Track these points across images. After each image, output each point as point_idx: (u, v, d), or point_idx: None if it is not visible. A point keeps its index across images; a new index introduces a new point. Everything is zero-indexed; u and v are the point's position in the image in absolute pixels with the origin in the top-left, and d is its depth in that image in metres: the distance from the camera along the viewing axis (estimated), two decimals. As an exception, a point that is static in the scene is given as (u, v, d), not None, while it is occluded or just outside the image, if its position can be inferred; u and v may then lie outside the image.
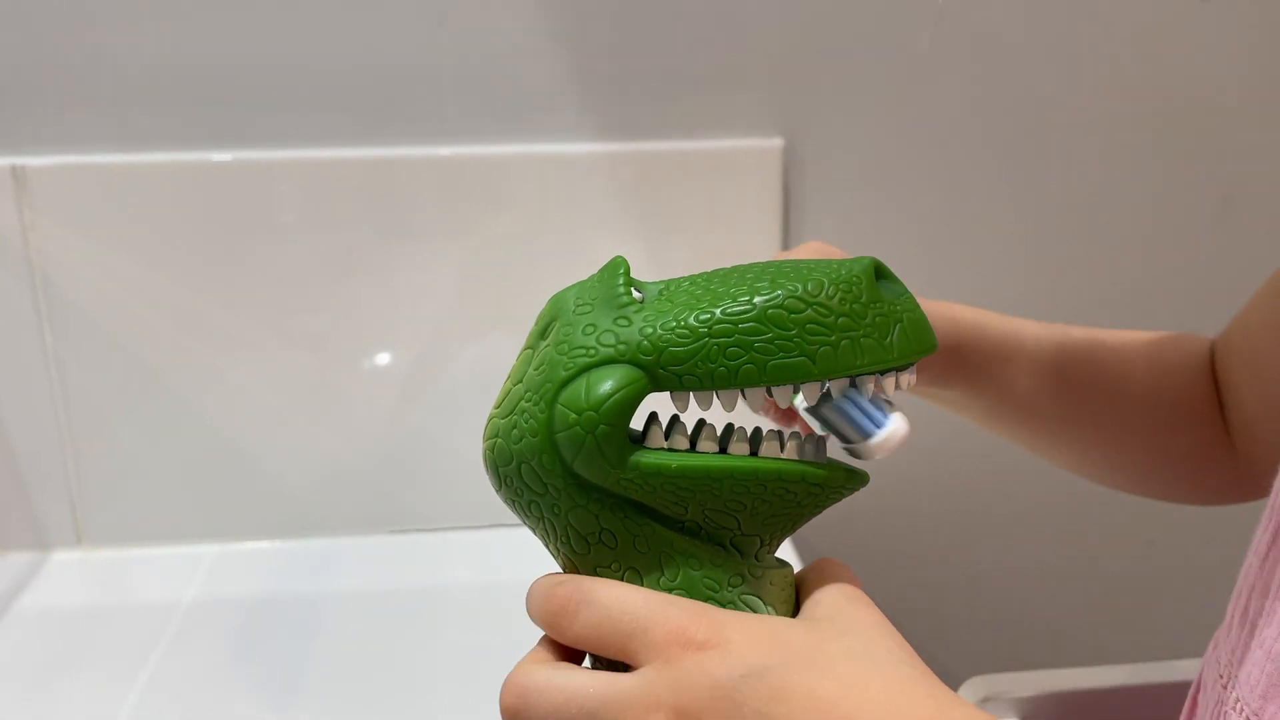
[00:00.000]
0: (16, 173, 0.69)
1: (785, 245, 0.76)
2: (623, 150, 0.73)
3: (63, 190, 0.70)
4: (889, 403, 0.32)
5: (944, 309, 0.49)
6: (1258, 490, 0.49)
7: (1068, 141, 0.76)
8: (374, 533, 0.78)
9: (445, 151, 0.73)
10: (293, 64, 0.71)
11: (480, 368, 0.76)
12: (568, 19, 0.71)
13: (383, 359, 0.76)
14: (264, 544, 0.77)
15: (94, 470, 0.75)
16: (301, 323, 0.74)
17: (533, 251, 0.74)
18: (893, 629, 0.29)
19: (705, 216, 0.74)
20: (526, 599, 0.31)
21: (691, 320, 0.28)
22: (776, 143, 0.74)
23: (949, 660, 0.85)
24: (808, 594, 0.31)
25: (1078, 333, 0.51)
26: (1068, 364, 0.49)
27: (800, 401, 0.30)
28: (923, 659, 0.30)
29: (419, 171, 0.73)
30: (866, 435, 0.31)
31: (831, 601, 0.30)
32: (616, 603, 0.28)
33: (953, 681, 0.57)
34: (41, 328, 0.72)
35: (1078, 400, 0.49)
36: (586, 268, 0.80)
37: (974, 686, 0.52)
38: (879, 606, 0.31)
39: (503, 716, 0.29)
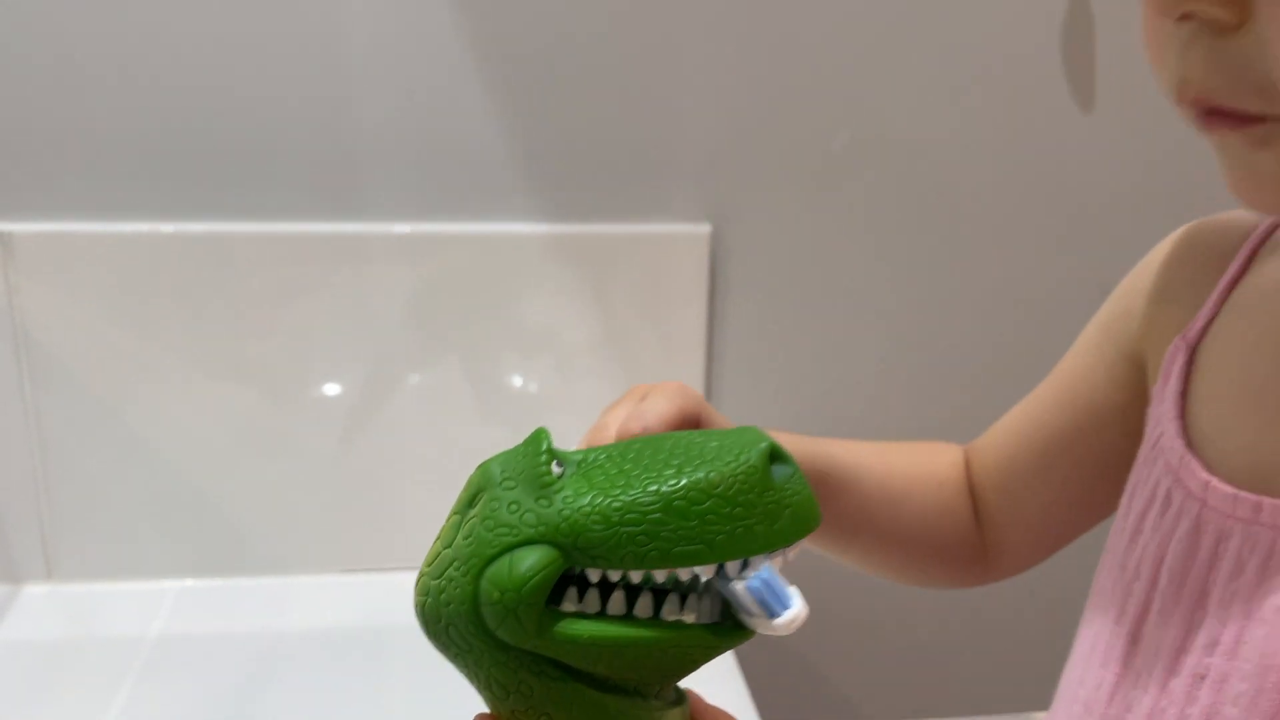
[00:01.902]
0: (3, 238, 0.75)
1: (710, 321, 0.83)
2: (565, 231, 0.80)
3: (45, 255, 0.76)
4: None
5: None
6: (1004, 575, 0.57)
7: (965, 235, 0.84)
8: (326, 572, 0.85)
9: (403, 229, 0.79)
10: (263, 144, 0.77)
11: (422, 424, 0.82)
12: (518, 111, 0.78)
13: (333, 415, 0.82)
14: (221, 581, 0.83)
15: (64, 508, 0.81)
16: (260, 380, 0.80)
17: (480, 322, 0.81)
18: None
19: (639, 294, 0.82)
20: None
21: (605, 508, 0.32)
22: (705, 228, 0.82)
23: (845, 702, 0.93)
24: None
25: (870, 453, 0.56)
26: (866, 489, 0.55)
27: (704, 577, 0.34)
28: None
29: (377, 245, 0.79)
30: (773, 615, 0.33)
31: None
32: None
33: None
34: (21, 379, 0.78)
35: (871, 520, 0.55)
36: (531, 338, 0.87)
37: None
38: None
39: None
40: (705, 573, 0.33)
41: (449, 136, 0.78)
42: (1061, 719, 0.46)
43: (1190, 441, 0.43)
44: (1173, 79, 0.35)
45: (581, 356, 0.83)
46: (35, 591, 0.82)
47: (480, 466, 0.35)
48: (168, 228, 0.77)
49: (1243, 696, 0.37)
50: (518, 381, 0.83)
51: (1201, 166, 0.39)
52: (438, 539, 0.35)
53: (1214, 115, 0.34)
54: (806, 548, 0.55)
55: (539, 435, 0.34)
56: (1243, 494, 0.39)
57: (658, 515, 0.32)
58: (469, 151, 0.79)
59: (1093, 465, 0.51)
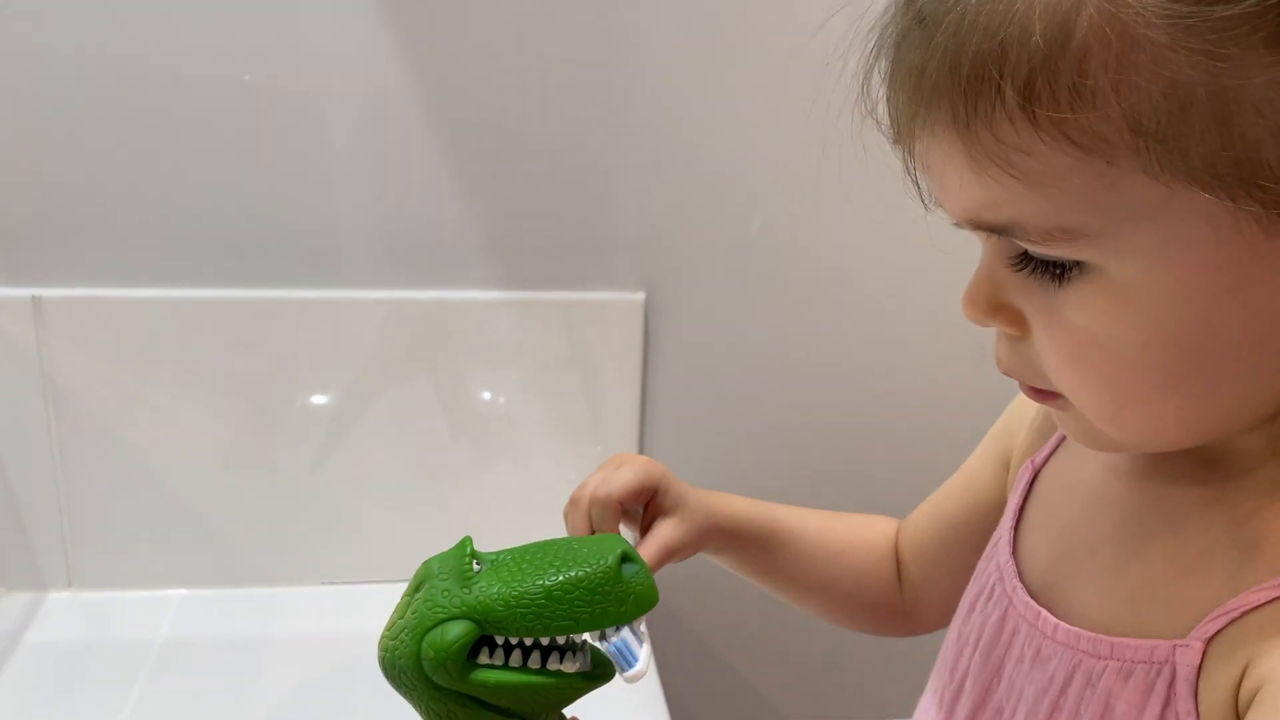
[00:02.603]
0: (35, 301, 0.88)
1: (644, 378, 0.97)
2: (516, 298, 0.93)
3: (70, 316, 0.89)
4: (644, 638, 0.49)
5: (728, 504, 0.66)
6: (924, 630, 0.70)
7: (857, 305, 0.97)
8: (307, 584, 0.98)
9: (378, 294, 0.92)
10: (261, 223, 0.89)
11: (390, 457, 0.96)
12: (476, 195, 0.91)
13: (312, 446, 0.95)
14: (216, 591, 0.97)
15: (84, 526, 0.94)
16: (249, 416, 0.93)
17: (445, 377, 0.94)
18: None
19: (580, 353, 0.95)
20: None
21: (506, 595, 0.46)
22: (640, 296, 0.95)
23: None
24: None
25: (814, 519, 0.69)
26: (805, 549, 0.67)
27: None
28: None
29: (354, 308, 0.92)
30: (624, 669, 0.48)
31: None
32: None
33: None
34: (49, 419, 0.91)
35: (808, 575, 0.68)
36: (493, 383, 0.99)
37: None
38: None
39: None
40: (576, 639, 0.48)
41: (415, 217, 0.91)
42: None
43: (1015, 550, 0.52)
44: (995, 356, 0.45)
45: (531, 404, 0.96)
46: (58, 598, 0.95)
47: (424, 563, 0.49)
48: (176, 293, 0.90)
49: None
50: (481, 412, 0.96)
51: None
52: (394, 612, 0.49)
53: (1026, 387, 0.44)
54: (755, 585, 0.68)
55: (465, 542, 0.49)
56: (1033, 603, 0.49)
57: (542, 601, 0.46)
58: (432, 229, 0.91)
59: (982, 544, 0.59)
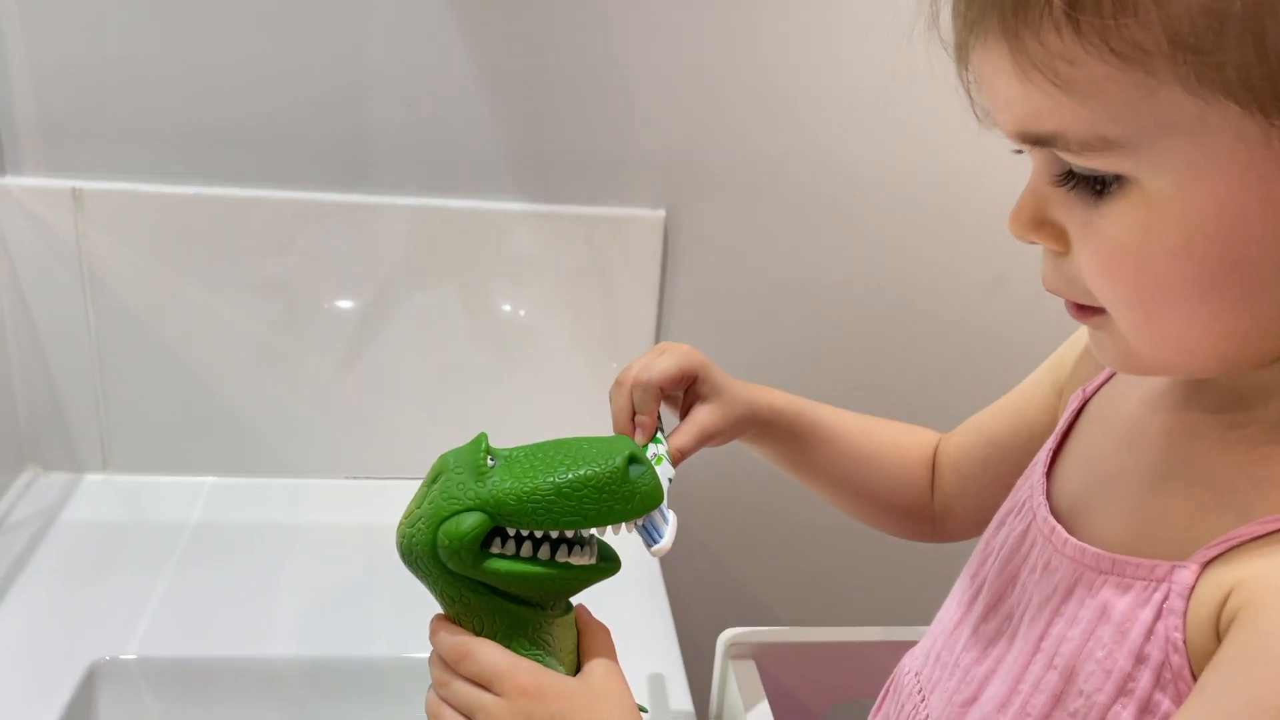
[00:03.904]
0: (75, 193, 0.91)
1: (662, 293, 0.99)
2: (541, 210, 0.96)
3: (109, 208, 0.92)
4: (670, 518, 0.53)
5: (767, 396, 0.69)
6: (949, 539, 0.73)
7: (874, 227, 0.99)
8: (332, 477, 1.02)
9: (407, 201, 0.95)
10: (293, 125, 0.92)
11: (417, 357, 0.99)
12: (506, 109, 0.93)
13: (340, 345, 0.98)
14: (246, 480, 1.01)
15: (119, 411, 0.98)
16: (281, 310, 0.96)
17: (468, 284, 0.97)
18: (629, 694, 0.51)
19: (601, 267, 0.97)
20: (431, 639, 0.52)
21: (518, 490, 0.49)
22: (660, 213, 0.97)
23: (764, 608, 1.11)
24: (587, 652, 0.53)
25: (853, 420, 0.71)
26: (842, 447, 0.70)
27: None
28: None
29: (385, 213, 0.95)
30: (649, 545, 0.52)
31: (601, 673, 0.52)
32: (487, 661, 0.50)
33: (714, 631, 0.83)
34: (87, 307, 0.94)
35: (842, 472, 0.70)
36: (515, 291, 1.01)
37: (726, 636, 0.78)
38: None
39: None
40: (584, 533, 0.51)
41: (445, 126, 0.93)
42: (925, 639, 0.61)
43: (1051, 473, 0.54)
44: (1041, 275, 0.47)
45: (551, 315, 0.99)
46: (94, 479, 1.00)
47: (440, 457, 0.52)
48: (211, 190, 0.92)
49: (1022, 654, 0.51)
50: (503, 318, 0.99)
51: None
52: (412, 502, 0.52)
53: (1069, 304, 0.46)
54: (785, 476, 0.72)
55: (480, 438, 0.52)
56: (1050, 518, 0.51)
57: (552, 497, 0.49)
58: (462, 139, 0.93)
59: (1022, 464, 0.60)
